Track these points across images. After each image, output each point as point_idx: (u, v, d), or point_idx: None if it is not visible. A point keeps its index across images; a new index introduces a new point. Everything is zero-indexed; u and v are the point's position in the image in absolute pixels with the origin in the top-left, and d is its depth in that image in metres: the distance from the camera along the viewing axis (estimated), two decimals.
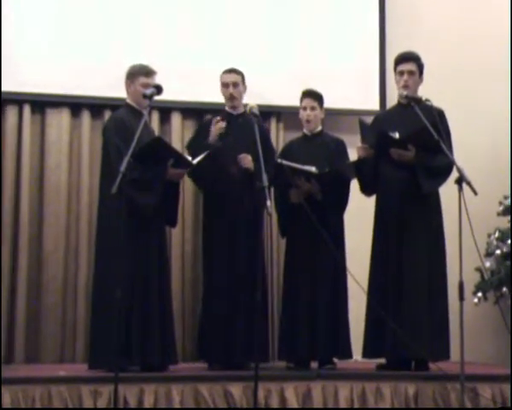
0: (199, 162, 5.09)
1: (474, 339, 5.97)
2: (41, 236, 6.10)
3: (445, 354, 5.11)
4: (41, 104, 6.18)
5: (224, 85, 5.47)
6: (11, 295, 5.97)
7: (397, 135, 5.03)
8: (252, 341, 5.10)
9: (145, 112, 4.76)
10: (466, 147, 5.93)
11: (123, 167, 4.33)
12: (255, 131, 4.90)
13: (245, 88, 5.53)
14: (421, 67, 5.34)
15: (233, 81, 5.44)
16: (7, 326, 5.93)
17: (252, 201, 5.26)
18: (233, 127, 5.36)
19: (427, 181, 5.08)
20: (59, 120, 6.19)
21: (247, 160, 5.28)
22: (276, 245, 6.29)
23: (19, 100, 6.09)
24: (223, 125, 5.30)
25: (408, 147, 5.04)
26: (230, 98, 5.47)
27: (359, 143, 5.24)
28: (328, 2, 6.73)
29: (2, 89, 5.99)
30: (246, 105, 5.25)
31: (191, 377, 4.80)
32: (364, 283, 5.23)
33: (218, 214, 5.37)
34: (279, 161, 5.37)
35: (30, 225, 6.05)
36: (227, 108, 5.53)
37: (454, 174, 4.74)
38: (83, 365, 5.25)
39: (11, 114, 6.09)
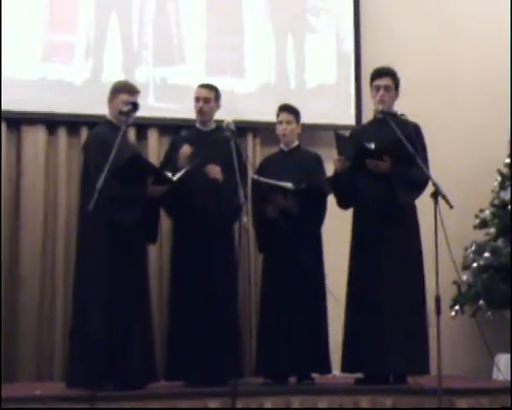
0: (179, 179, 5.07)
1: (451, 352, 5.99)
2: (17, 255, 6.03)
3: (423, 369, 5.11)
4: (16, 121, 6.13)
5: (196, 100, 5.45)
6: None
7: (372, 146, 5.06)
8: (225, 357, 5.08)
9: (123, 127, 4.78)
10: (442, 160, 5.96)
11: (99, 184, 4.35)
12: (231, 147, 4.93)
13: (218, 105, 5.49)
14: (396, 81, 5.38)
15: (204, 96, 5.42)
16: None
17: (223, 216, 5.24)
18: (203, 145, 5.31)
19: (403, 193, 5.11)
20: (35, 138, 6.13)
21: (214, 170, 5.24)
22: (253, 261, 6.28)
23: None
24: (188, 151, 5.25)
25: (383, 158, 5.07)
26: (199, 113, 5.43)
27: (336, 157, 5.25)
28: (304, 18, 6.75)
29: None
30: (222, 121, 5.26)
31: (169, 394, 4.78)
32: (343, 297, 5.25)
33: (190, 232, 5.29)
34: (255, 177, 5.39)
35: (5, 245, 5.97)
36: (197, 125, 5.51)
37: (430, 188, 4.77)
38: (60, 383, 5.20)
39: None
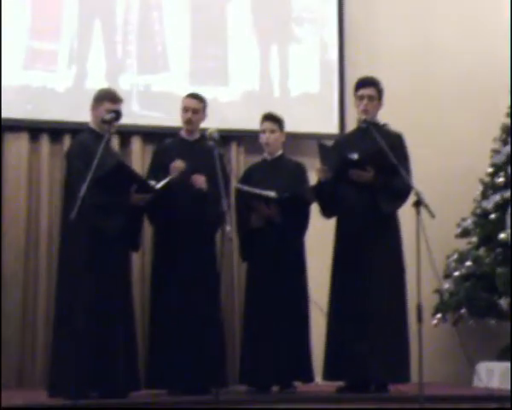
0: (162, 187, 5.07)
1: (433, 360, 6.02)
2: None
3: (404, 377, 5.13)
4: None
5: (184, 110, 5.45)
6: None
7: (356, 156, 5.08)
8: (208, 365, 5.09)
9: (106, 135, 4.79)
10: (424, 169, 5.98)
11: (82, 192, 4.35)
12: (214, 157, 4.93)
13: (204, 116, 5.50)
14: (380, 91, 5.39)
15: (193, 107, 5.42)
16: None
17: (207, 224, 5.25)
18: (188, 154, 5.29)
19: (386, 202, 5.13)
20: (18, 145, 6.13)
21: (200, 180, 5.24)
22: (236, 269, 6.28)
23: None
24: (182, 165, 5.24)
25: (366, 168, 5.09)
26: (187, 123, 5.44)
27: (319, 166, 5.27)
28: (288, 27, 6.78)
29: None
30: (206, 130, 5.26)
31: (151, 403, 4.77)
32: (325, 306, 5.27)
33: (171, 239, 5.30)
34: (238, 186, 5.40)
35: None
36: (182, 134, 5.51)
37: (412, 197, 4.80)
38: (42, 391, 5.17)
39: None
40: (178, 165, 5.23)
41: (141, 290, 6.09)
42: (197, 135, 5.50)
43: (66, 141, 6.09)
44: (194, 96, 5.49)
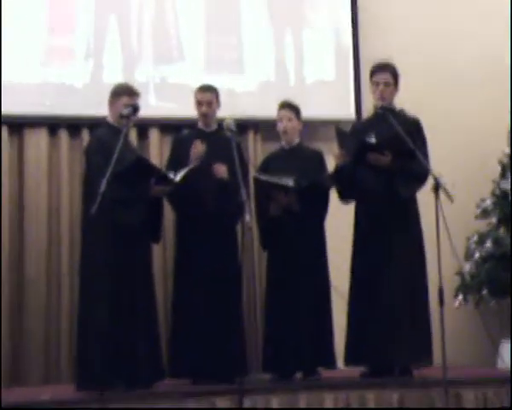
0: (182, 179, 5.10)
1: (456, 342, 6.01)
2: (22, 257, 6.06)
3: (428, 360, 5.14)
4: (18, 125, 6.16)
5: (198, 103, 5.47)
6: None
7: (373, 140, 5.08)
8: (231, 354, 5.13)
9: (124, 130, 4.82)
10: (442, 152, 5.98)
11: (102, 188, 4.39)
12: (232, 146, 4.95)
13: (219, 105, 5.51)
14: (396, 76, 5.38)
15: (207, 100, 5.43)
16: None
17: (228, 214, 5.28)
18: (206, 145, 5.31)
19: (404, 186, 5.13)
20: (37, 141, 6.16)
21: (221, 169, 5.27)
22: (257, 258, 6.31)
23: None
24: (202, 148, 5.28)
25: (384, 153, 5.09)
26: (203, 117, 5.47)
27: (337, 151, 5.28)
28: (302, 13, 6.76)
29: None
30: (223, 119, 5.29)
31: (177, 393, 4.82)
32: (346, 291, 5.30)
33: (193, 230, 5.33)
34: (256, 175, 5.42)
35: (10, 247, 6.01)
36: (200, 125, 5.54)
37: (431, 181, 4.80)
38: (69, 385, 5.23)
39: None
40: (199, 148, 5.24)
41: (163, 281, 6.13)
42: (214, 126, 5.52)
43: (85, 135, 6.12)
44: (205, 88, 5.49)
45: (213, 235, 5.28)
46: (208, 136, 5.46)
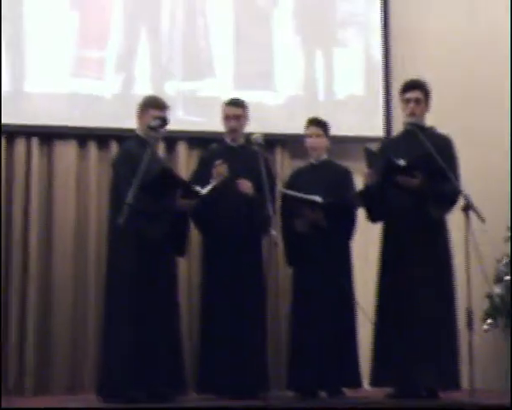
0: (207, 193, 5.08)
1: (484, 366, 5.94)
2: (50, 267, 6.08)
3: (455, 383, 5.06)
4: (48, 136, 6.18)
5: (226, 118, 5.46)
6: (20, 329, 5.95)
7: (402, 162, 5.02)
8: (255, 370, 5.09)
9: (152, 142, 4.80)
10: (473, 172, 5.91)
11: (129, 199, 4.38)
12: (259, 161, 4.93)
13: (247, 119, 5.51)
14: (427, 94, 5.34)
15: (235, 114, 5.44)
16: (17, 358, 5.91)
17: (253, 229, 5.25)
18: (233, 160, 5.30)
19: (435, 207, 5.06)
20: (66, 152, 6.19)
21: (245, 185, 5.26)
22: (282, 274, 6.26)
23: (27, 132, 6.10)
24: (225, 171, 5.22)
25: (414, 174, 5.04)
26: (231, 131, 5.46)
27: (365, 170, 5.23)
28: (333, 30, 6.75)
29: (12, 121, 6.02)
30: (250, 134, 5.27)
31: (200, 408, 4.78)
32: (371, 311, 5.24)
33: (219, 245, 5.32)
34: (283, 190, 5.39)
35: (39, 257, 6.04)
36: (227, 140, 5.52)
37: (461, 201, 4.74)
38: (93, 395, 5.21)
39: (19, 146, 6.09)
40: (221, 169, 5.22)
41: (187, 295, 6.11)
42: (242, 140, 5.50)
43: (114, 148, 6.13)
44: (234, 102, 5.49)
45: (238, 249, 5.26)
46: (236, 150, 5.45)
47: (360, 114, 6.70)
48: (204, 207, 5.16)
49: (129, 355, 4.77)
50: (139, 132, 5.19)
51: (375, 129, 6.67)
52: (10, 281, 5.97)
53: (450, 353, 5.05)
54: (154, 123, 4.99)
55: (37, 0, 6.18)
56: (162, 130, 5.08)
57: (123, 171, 4.97)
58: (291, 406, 4.92)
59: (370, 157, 5.20)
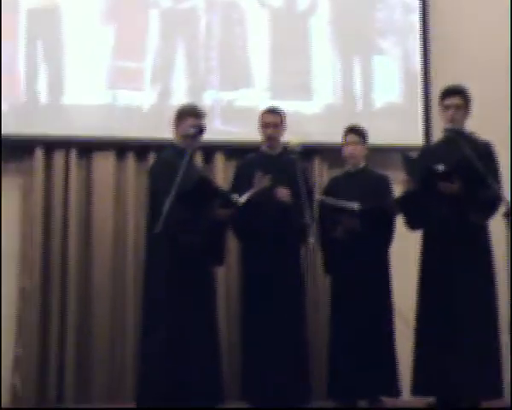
0: (245, 201, 5.06)
1: None
2: (89, 278, 6.11)
3: (498, 392, 4.98)
4: (87, 147, 6.22)
5: (264, 126, 5.46)
6: (61, 337, 5.99)
7: (441, 168, 4.96)
8: (294, 380, 5.05)
9: (189, 150, 4.81)
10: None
11: (166, 208, 4.38)
12: (297, 169, 4.91)
13: (284, 128, 5.51)
14: (468, 100, 5.29)
15: (273, 122, 5.44)
16: (57, 367, 5.94)
17: (291, 238, 5.23)
18: (271, 168, 5.29)
19: (475, 214, 5.01)
20: (105, 163, 6.22)
21: (283, 193, 5.24)
22: (321, 283, 6.22)
23: (66, 143, 6.14)
24: (267, 183, 5.21)
25: (453, 180, 4.98)
26: (269, 139, 5.46)
27: (404, 178, 5.19)
28: (370, 38, 6.73)
29: (50, 133, 6.08)
30: (287, 142, 5.25)
31: None
32: (411, 319, 5.18)
33: (257, 253, 5.30)
34: (321, 198, 5.37)
35: (78, 268, 6.08)
36: (264, 148, 5.52)
37: (503, 207, 4.68)
38: (133, 403, 5.22)
39: (58, 158, 6.13)
40: (263, 181, 5.21)
41: (226, 303, 6.10)
42: (279, 149, 5.49)
43: (151, 158, 6.13)
44: (272, 110, 5.50)
45: (277, 257, 5.24)
46: (273, 159, 5.45)
47: (399, 122, 6.66)
48: (242, 216, 5.14)
49: (167, 365, 4.76)
50: (176, 141, 5.19)
51: (415, 137, 6.62)
52: (51, 290, 6.01)
53: (492, 361, 4.98)
54: (192, 131, 4.99)
55: (74, 12, 6.23)
56: (199, 138, 5.07)
57: (160, 179, 4.97)
58: None
59: (409, 164, 5.16)
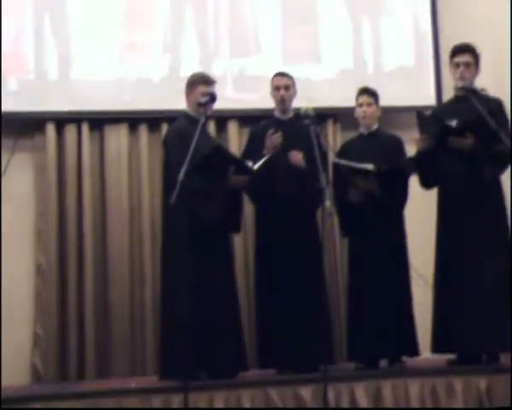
0: (259, 167, 5.07)
1: None
2: (105, 252, 6.15)
3: None
4: (99, 122, 6.24)
5: (276, 88, 5.45)
6: (79, 313, 6.03)
7: (454, 123, 4.97)
8: (317, 343, 5.08)
9: (202, 119, 4.80)
10: None
11: (180, 177, 4.38)
12: (311, 133, 4.91)
13: (295, 92, 5.49)
14: (477, 58, 5.27)
15: (285, 84, 5.42)
16: (76, 343, 5.99)
17: (307, 201, 5.24)
18: (284, 133, 5.28)
19: (488, 169, 5.02)
20: (117, 137, 6.23)
21: (297, 156, 5.24)
22: (338, 245, 6.25)
23: (77, 119, 6.16)
24: (279, 139, 5.24)
25: (466, 135, 4.98)
26: (281, 101, 5.44)
27: (417, 136, 5.18)
28: (379, 0, 6.68)
29: (61, 109, 6.10)
30: (299, 108, 5.25)
31: (261, 382, 4.81)
32: (429, 278, 5.19)
33: (273, 218, 5.30)
34: (336, 160, 5.37)
35: (94, 241, 6.11)
36: (276, 114, 5.52)
37: None
38: (154, 377, 5.27)
39: (70, 133, 6.15)
40: (275, 138, 5.22)
41: (244, 271, 6.13)
42: (291, 113, 5.49)
43: (164, 130, 6.12)
44: (282, 73, 5.50)
45: (294, 222, 5.25)
46: (285, 123, 5.44)
47: (410, 83, 6.64)
48: (257, 182, 5.15)
49: (188, 335, 4.75)
50: (188, 111, 5.20)
51: (426, 98, 6.61)
52: (67, 266, 6.06)
53: (509, 317, 4.98)
54: (204, 99, 4.97)
55: None
56: (211, 106, 5.07)
57: (174, 149, 4.98)
58: (349, 376, 4.89)
59: (423, 122, 5.17)
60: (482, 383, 4.71)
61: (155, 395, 4.63)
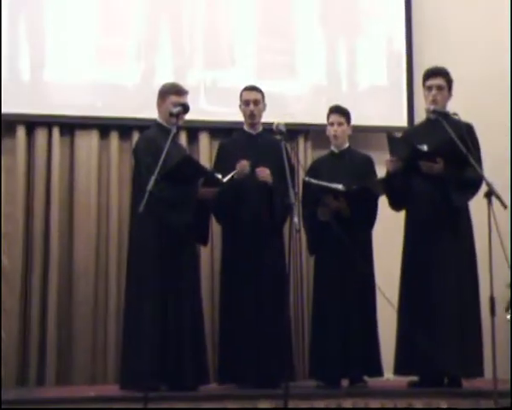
0: (229, 180, 5.07)
1: (507, 356, 5.89)
2: (71, 257, 6.11)
3: (478, 371, 5.03)
4: (70, 126, 6.20)
5: (245, 103, 5.44)
6: (42, 318, 5.98)
7: (425, 148, 5.00)
8: (277, 360, 5.07)
9: (173, 129, 4.78)
10: (495, 159, 5.85)
11: (149, 186, 4.36)
12: (281, 149, 4.90)
13: (264, 106, 5.48)
14: (449, 81, 5.31)
15: (254, 99, 5.41)
16: (38, 348, 5.93)
17: (274, 217, 5.24)
18: (252, 148, 5.30)
19: (457, 194, 5.04)
20: (88, 142, 6.21)
21: (264, 173, 5.24)
22: (305, 263, 6.25)
23: (48, 122, 6.12)
24: (246, 169, 5.21)
25: (436, 160, 5.00)
26: (250, 116, 5.43)
27: (388, 158, 5.20)
28: (355, 19, 6.72)
29: (32, 111, 6.06)
30: (272, 123, 5.25)
31: (221, 395, 4.78)
32: (394, 299, 5.19)
33: (239, 233, 5.29)
34: (306, 179, 5.37)
35: (60, 247, 6.07)
36: (245, 128, 5.51)
37: (483, 188, 4.70)
38: (114, 385, 5.24)
39: (40, 136, 6.11)
40: (243, 166, 5.21)
41: (210, 284, 6.11)
42: (260, 128, 5.49)
43: (135, 137, 6.11)
44: (252, 87, 5.48)
45: (260, 238, 5.25)
46: (255, 138, 5.44)
47: (383, 103, 6.69)
48: (225, 196, 5.14)
49: (150, 345, 4.75)
50: (160, 120, 5.18)
51: (398, 119, 6.66)
52: (32, 270, 6.01)
53: (473, 341, 5.03)
54: (175, 110, 4.94)
55: None
56: (183, 117, 5.05)
57: (144, 158, 4.96)
58: (310, 393, 4.89)
59: (393, 144, 5.18)
60: (442, 405, 4.71)
61: (115, 403, 4.58)
